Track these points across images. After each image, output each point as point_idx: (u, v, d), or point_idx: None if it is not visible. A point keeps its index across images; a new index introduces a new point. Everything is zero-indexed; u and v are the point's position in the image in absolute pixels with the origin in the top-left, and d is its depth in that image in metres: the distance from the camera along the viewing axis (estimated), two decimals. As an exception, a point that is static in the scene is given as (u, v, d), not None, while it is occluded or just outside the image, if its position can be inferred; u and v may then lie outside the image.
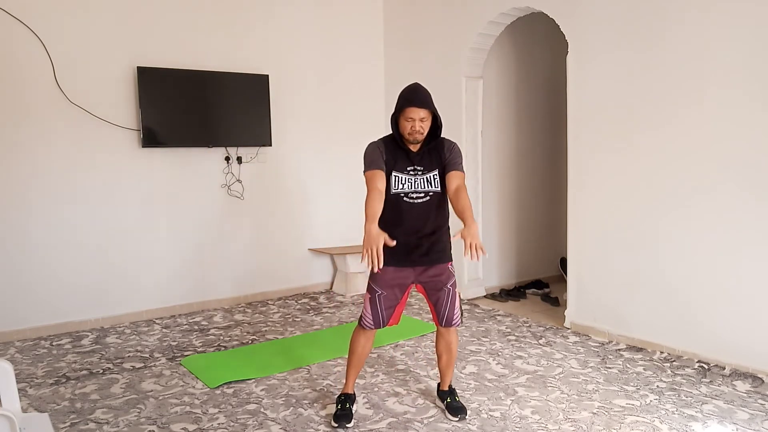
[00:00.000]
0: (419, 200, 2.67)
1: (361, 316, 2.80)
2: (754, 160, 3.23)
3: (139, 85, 4.37)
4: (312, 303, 5.03)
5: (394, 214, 2.67)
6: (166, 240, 4.67)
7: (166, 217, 4.66)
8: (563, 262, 5.40)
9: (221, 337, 4.11)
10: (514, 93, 5.39)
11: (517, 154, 5.46)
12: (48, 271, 4.22)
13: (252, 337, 4.13)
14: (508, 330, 4.19)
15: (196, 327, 4.36)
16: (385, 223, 2.65)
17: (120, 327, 4.38)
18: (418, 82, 2.72)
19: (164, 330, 4.29)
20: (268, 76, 4.95)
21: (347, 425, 2.73)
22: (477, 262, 2.37)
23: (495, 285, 5.34)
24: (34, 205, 4.15)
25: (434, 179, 2.69)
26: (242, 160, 4.93)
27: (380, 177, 2.59)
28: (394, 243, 2.40)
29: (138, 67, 4.37)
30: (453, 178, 2.65)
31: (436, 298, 2.76)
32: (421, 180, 2.67)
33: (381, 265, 2.32)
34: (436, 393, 3.01)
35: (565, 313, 4.28)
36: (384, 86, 5.73)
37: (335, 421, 2.74)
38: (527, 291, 5.25)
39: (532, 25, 5.22)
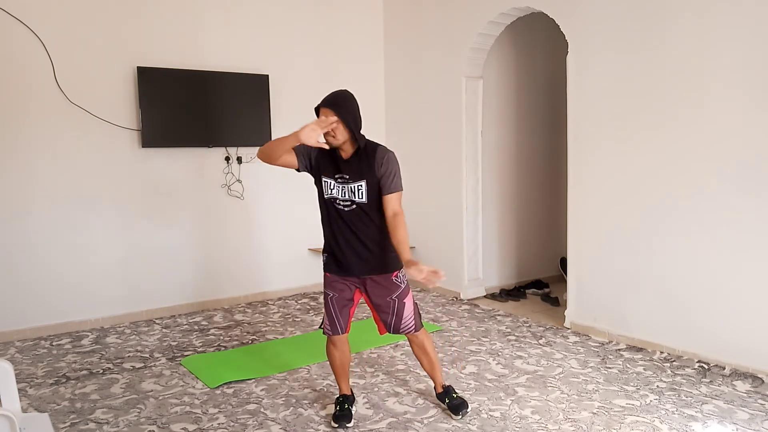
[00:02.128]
0: (347, 209, 2.63)
1: (322, 325, 2.81)
2: (754, 160, 3.23)
3: (139, 85, 4.37)
4: (312, 303, 5.03)
5: (330, 220, 2.69)
6: (166, 240, 4.67)
7: (166, 218, 4.66)
8: (563, 262, 5.40)
9: (221, 337, 4.11)
10: (514, 93, 5.39)
11: (517, 154, 5.46)
12: (48, 271, 4.22)
13: (252, 337, 4.13)
14: (508, 330, 4.19)
15: (196, 327, 4.36)
16: (325, 229, 2.73)
17: (120, 327, 4.38)
18: (347, 89, 2.70)
19: (164, 330, 4.29)
20: (268, 76, 4.95)
21: (347, 425, 2.74)
22: (439, 280, 2.41)
23: (495, 285, 5.34)
24: (34, 205, 4.15)
25: (359, 190, 2.59)
26: (242, 160, 4.93)
27: (289, 150, 2.61)
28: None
29: (138, 67, 4.37)
30: (388, 204, 2.58)
31: (380, 310, 2.74)
32: (347, 189, 2.61)
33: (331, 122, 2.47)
34: (436, 397, 2.98)
35: (565, 313, 4.28)
36: (384, 86, 5.73)
37: (335, 422, 2.75)
38: (527, 291, 5.25)
39: (532, 25, 5.22)
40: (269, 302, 5.06)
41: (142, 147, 4.46)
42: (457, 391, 2.96)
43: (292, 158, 2.64)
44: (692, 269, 3.53)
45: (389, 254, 2.69)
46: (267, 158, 2.62)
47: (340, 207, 2.64)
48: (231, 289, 4.99)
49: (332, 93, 2.62)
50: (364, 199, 2.60)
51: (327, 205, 2.68)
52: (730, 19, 3.27)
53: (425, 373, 3.36)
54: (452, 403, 2.84)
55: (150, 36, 4.49)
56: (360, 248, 2.65)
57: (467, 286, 5.08)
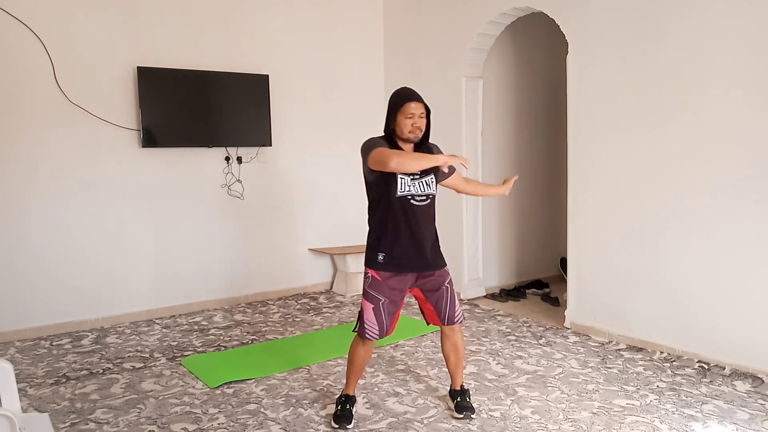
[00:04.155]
0: (422, 203, 2.68)
1: (361, 327, 2.70)
2: (754, 162, 3.23)
3: (139, 85, 4.37)
4: (312, 303, 5.03)
5: (398, 218, 2.64)
6: (166, 240, 4.67)
7: (166, 217, 4.66)
8: (563, 262, 5.40)
9: (221, 337, 4.11)
10: (514, 93, 5.39)
11: (517, 154, 5.46)
12: (48, 271, 4.22)
13: (252, 337, 4.13)
14: (508, 330, 4.19)
15: (196, 327, 4.36)
16: (386, 228, 2.67)
17: (120, 327, 4.38)
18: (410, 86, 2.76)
19: (164, 330, 4.29)
20: (268, 76, 4.95)
21: (347, 426, 2.73)
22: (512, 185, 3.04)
23: (495, 285, 5.34)
24: (35, 205, 4.15)
25: (432, 182, 2.71)
26: (242, 160, 4.93)
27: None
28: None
29: (138, 67, 4.37)
30: (459, 178, 2.93)
31: (435, 298, 2.75)
32: (422, 183, 2.67)
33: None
34: (448, 392, 2.98)
35: (565, 313, 4.28)
36: (384, 86, 5.72)
37: (335, 422, 2.74)
38: (527, 291, 5.25)
39: (532, 25, 5.22)
40: (269, 302, 5.06)
41: (142, 147, 4.46)
42: (471, 398, 2.93)
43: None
44: (692, 269, 3.53)
45: (440, 248, 2.81)
46: (386, 168, 2.52)
47: (415, 203, 2.65)
48: (231, 289, 4.99)
49: (409, 88, 2.70)
50: (434, 191, 2.72)
51: (396, 203, 2.63)
52: (730, 20, 3.27)
53: (425, 373, 3.37)
54: (462, 403, 2.83)
55: (150, 36, 4.49)
56: (426, 243, 2.70)
57: (467, 286, 5.08)
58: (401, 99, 2.63)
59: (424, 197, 2.68)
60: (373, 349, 2.89)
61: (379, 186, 2.66)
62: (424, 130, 2.66)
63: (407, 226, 2.65)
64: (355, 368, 2.81)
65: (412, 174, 2.64)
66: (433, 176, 2.71)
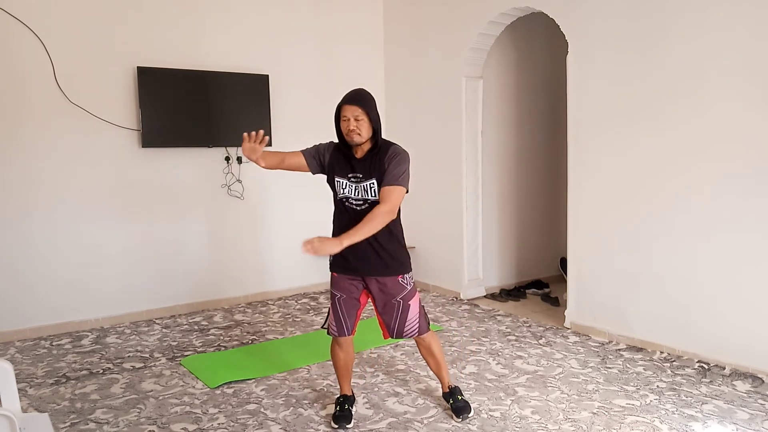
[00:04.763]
0: (359, 207, 2.63)
1: (327, 325, 2.81)
2: (754, 161, 3.23)
3: (139, 85, 4.37)
4: (312, 303, 5.03)
5: (342, 220, 2.70)
6: (166, 240, 4.67)
7: (166, 218, 4.66)
8: (563, 262, 5.40)
9: (221, 337, 4.11)
10: (514, 93, 5.39)
11: (517, 154, 5.46)
12: (48, 271, 4.22)
13: (252, 337, 4.13)
14: (508, 330, 4.19)
15: (196, 327, 4.36)
16: (335, 229, 2.76)
17: (120, 327, 4.38)
18: (363, 87, 2.69)
19: (164, 330, 4.29)
20: (268, 76, 4.95)
21: (347, 425, 2.74)
22: (309, 254, 2.45)
23: (495, 285, 5.34)
24: (35, 205, 4.15)
25: (371, 188, 2.59)
26: (242, 160, 4.93)
27: (295, 153, 2.72)
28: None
29: (138, 67, 4.37)
30: (382, 194, 2.56)
31: (382, 309, 2.73)
32: (360, 187, 2.63)
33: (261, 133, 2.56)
34: (441, 395, 2.99)
35: (565, 313, 4.28)
36: (384, 87, 5.72)
37: (335, 422, 2.75)
38: (527, 291, 5.25)
39: (532, 25, 5.22)
40: (269, 302, 5.06)
41: (142, 147, 4.45)
42: (463, 393, 2.94)
43: (301, 162, 2.68)
44: (692, 269, 3.53)
45: (398, 256, 2.69)
46: (270, 168, 2.75)
47: (352, 206, 2.64)
48: (231, 289, 4.99)
49: (353, 90, 2.61)
50: (375, 196, 2.60)
51: (339, 205, 2.69)
52: (730, 19, 3.27)
53: (425, 373, 3.37)
54: (456, 404, 2.83)
55: (150, 36, 4.49)
56: (369, 248, 2.64)
57: (467, 286, 5.08)
58: (339, 103, 2.60)
59: (361, 202, 2.62)
60: (354, 349, 2.89)
61: (330, 187, 2.74)
62: (363, 132, 2.54)
63: (347, 228, 2.59)
64: (339, 369, 2.86)
65: (351, 177, 2.63)
66: (374, 182, 2.58)
